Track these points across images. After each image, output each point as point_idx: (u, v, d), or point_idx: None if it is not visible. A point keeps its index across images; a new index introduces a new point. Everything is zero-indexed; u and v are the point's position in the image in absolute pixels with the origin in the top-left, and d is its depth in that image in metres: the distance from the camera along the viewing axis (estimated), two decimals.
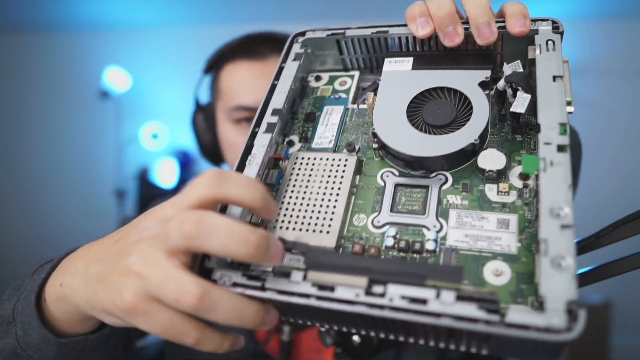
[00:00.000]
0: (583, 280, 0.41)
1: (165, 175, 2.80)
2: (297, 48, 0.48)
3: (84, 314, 0.38)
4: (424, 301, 0.30)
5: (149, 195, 2.74)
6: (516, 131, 0.41)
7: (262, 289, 0.33)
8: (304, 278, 0.33)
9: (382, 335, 0.35)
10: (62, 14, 2.80)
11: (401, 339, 0.35)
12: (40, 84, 3.11)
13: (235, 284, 0.34)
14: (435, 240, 0.36)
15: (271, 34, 0.82)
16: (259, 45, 0.79)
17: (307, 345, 0.66)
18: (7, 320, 0.42)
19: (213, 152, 0.87)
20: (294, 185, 0.41)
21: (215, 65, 0.83)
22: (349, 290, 0.31)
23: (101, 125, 3.03)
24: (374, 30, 0.46)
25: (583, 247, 0.43)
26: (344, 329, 0.36)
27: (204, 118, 0.86)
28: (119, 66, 2.87)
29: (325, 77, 0.51)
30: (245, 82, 0.76)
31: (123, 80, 2.88)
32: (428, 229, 0.37)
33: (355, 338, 0.57)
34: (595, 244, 0.42)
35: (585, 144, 0.64)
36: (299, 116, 0.48)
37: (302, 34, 0.49)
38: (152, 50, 3.01)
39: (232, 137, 0.78)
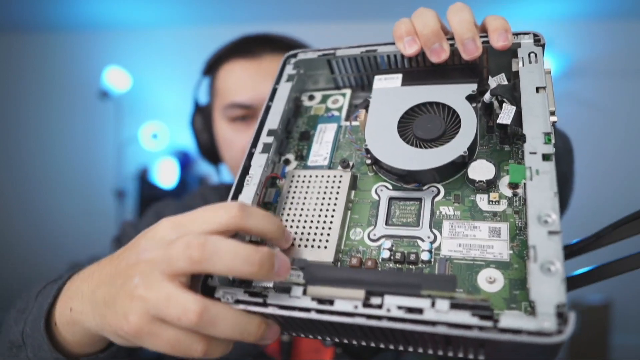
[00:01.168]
0: (583, 280, 0.42)
1: (165, 175, 2.82)
2: (289, 69, 0.50)
3: (95, 335, 0.39)
4: (420, 310, 0.31)
5: (149, 195, 2.77)
6: (504, 142, 0.42)
7: (264, 304, 0.34)
8: (304, 293, 0.34)
9: (381, 345, 0.36)
10: (62, 14, 2.84)
11: (400, 348, 0.36)
12: (40, 84, 3.14)
13: (238, 301, 0.35)
14: (430, 251, 0.37)
15: (267, 34, 0.84)
16: (254, 45, 0.80)
17: (306, 345, 0.67)
18: (17, 344, 0.44)
19: (211, 153, 0.88)
20: (291, 203, 0.43)
21: (213, 66, 0.84)
22: (347, 302, 0.32)
23: (101, 125, 3.07)
24: (363, 49, 0.48)
25: (583, 247, 0.44)
26: (345, 341, 0.37)
27: (202, 119, 0.88)
28: (119, 66, 2.91)
29: (318, 96, 0.52)
30: (240, 80, 0.78)
31: (123, 80, 2.91)
32: (422, 240, 0.38)
33: None
34: (595, 244, 0.43)
35: (585, 144, 0.65)
36: (294, 135, 0.49)
37: (294, 55, 0.51)
38: (152, 50, 3.06)
39: (227, 135, 0.79)
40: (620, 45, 2.66)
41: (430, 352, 0.35)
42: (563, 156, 0.60)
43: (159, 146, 2.90)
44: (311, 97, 0.52)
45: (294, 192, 0.43)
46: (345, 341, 0.37)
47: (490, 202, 0.39)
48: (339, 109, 0.50)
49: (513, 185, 0.39)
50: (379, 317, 0.31)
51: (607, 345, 2.42)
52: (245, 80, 0.77)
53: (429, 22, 0.43)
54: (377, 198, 0.42)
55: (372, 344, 0.36)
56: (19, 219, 3.18)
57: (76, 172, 3.13)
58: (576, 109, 2.55)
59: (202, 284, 0.37)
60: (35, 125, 3.17)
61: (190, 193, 0.93)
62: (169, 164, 2.83)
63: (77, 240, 3.04)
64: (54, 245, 3.07)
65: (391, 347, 0.36)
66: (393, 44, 0.46)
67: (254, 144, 0.45)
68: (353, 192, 0.43)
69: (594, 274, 0.42)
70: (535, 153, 0.35)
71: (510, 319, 0.29)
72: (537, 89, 0.39)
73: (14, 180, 3.19)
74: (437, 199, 0.40)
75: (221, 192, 0.90)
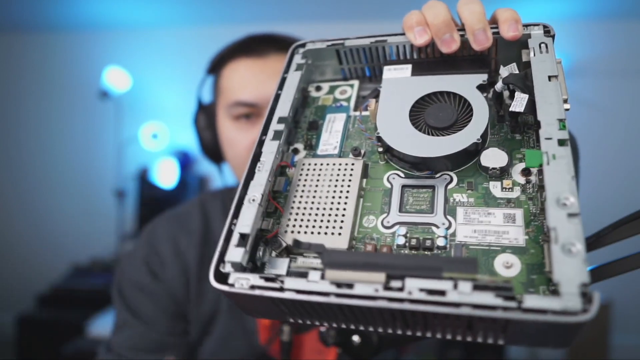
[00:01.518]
0: None
1: (165, 175, 2.80)
2: (298, 59, 0.49)
3: None
4: (442, 292, 0.31)
5: (149, 195, 2.79)
6: (515, 130, 0.42)
7: (281, 290, 0.34)
8: (322, 277, 0.33)
9: (399, 332, 0.35)
10: (62, 14, 2.83)
11: (419, 334, 0.35)
12: (40, 84, 3.14)
13: (252, 287, 0.34)
14: (445, 237, 0.37)
15: (272, 34, 0.84)
16: (259, 44, 0.80)
17: (308, 345, 0.67)
18: None
19: (214, 152, 0.87)
20: (302, 191, 0.42)
21: (217, 65, 0.84)
22: (367, 286, 0.32)
23: (101, 125, 3.07)
24: (373, 39, 0.48)
25: None
26: (361, 328, 0.36)
27: (206, 117, 0.87)
28: (119, 66, 2.90)
29: (326, 87, 0.52)
30: (245, 78, 0.77)
31: (123, 80, 2.90)
32: (437, 227, 0.38)
33: (355, 338, 0.57)
34: (595, 244, 0.43)
35: (585, 144, 0.65)
36: (302, 125, 0.49)
37: (303, 45, 0.51)
38: (152, 50, 3.06)
39: (231, 133, 0.79)
40: (620, 45, 2.68)
41: (449, 337, 0.34)
42: None
43: (159, 146, 2.89)
44: (318, 88, 0.52)
45: (305, 180, 0.43)
46: (362, 328, 0.36)
47: (504, 189, 0.39)
48: (348, 100, 0.50)
49: (526, 172, 0.39)
50: (400, 300, 0.31)
51: (607, 345, 2.42)
52: (250, 79, 0.77)
53: (439, 12, 0.44)
54: (389, 186, 0.42)
55: (390, 330, 0.36)
56: (19, 219, 3.16)
57: (76, 172, 3.13)
58: (576, 109, 2.54)
59: (215, 270, 0.36)
60: (35, 125, 3.15)
61: (189, 201, 0.92)
62: (169, 164, 2.82)
63: (77, 240, 3.03)
64: (54, 245, 3.07)
65: (409, 333, 0.35)
66: (403, 34, 0.46)
67: (264, 132, 0.44)
68: (365, 180, 0.43)
69: (594, 274, 0.42)
70: (550, 138, 0.36)
71: (534, 300, 0.29)
72: (550, 78, 0.39)
73: (14, 180, 3.17)
74: (450, 186, 0.40)
75: (223, 197, 0.89)
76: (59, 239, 3.08)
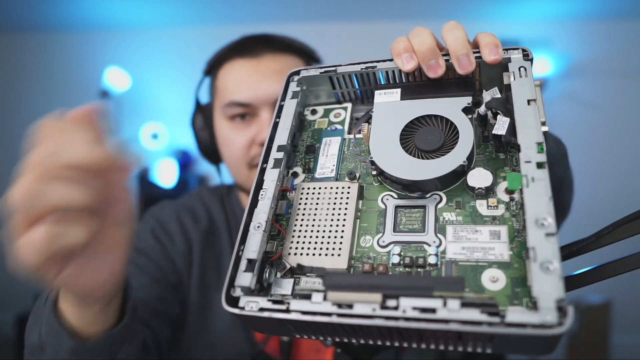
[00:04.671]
0: (583, 280, 0.44)
1: (165, 175, 2.85)
2: (293, 87, 0.52)
3: (83, 302, 0.42)
4: (433, 310, 0.34)
5: (149, 195, 2.81)
6: (499, 150, 0.45)
7: (287, 311, 0.37)
8: (324, 298, 0.37)
9: (396, 344, 0.39)
10: (62, 14, 2.85)
11: (414, 345, 0.38)
12: (40, 84, 3.15)
13: (262, 309, 0.38)
14: (437, 255, 0.40)
15: (267, 35, 0.86)
16: (254, 45, 0.82)
17: (307, 345, 0.69)
18: (39, 347, 0.45)
19: (211, 152, 0.90)
20: (303, 214, 0.45)
21: (214, 66, 0.86)
22: (366, 306, 0.35)
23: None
24: (363, 66, 0.51)
25: (583, 247, 0.46)
26: (362, 341, 0.40)
27: (203, 118, 0.89)
28: (119, 66, 2.92)
29: (320, 110, 0.55)
30: (239, 78, 0.80)
31: (123, 80, 2.93)
32: (429, 245, 0.41)
33: None
34: (595, 244, 0.45)
35: (586, 144, 0.67)
36: (300, 149, 0.52)
37: (297, 72, 0.53)
38: (152, 50, 3.08)
39: (226, 133, 0.81)
40: (620, 45, 2.69)
41: (442, 347, 0.38)
42: (558, 160, 0.62)
43: (159, 146, 2.93)
44: (314, 112, 0.55)
45: (305, 203, 0.46)
46: (362, 341, 0.40)
47: (489, 207, 0.42)
48: (342, 122, 0.53)
49: (509, 191, 0.42)
50: (396, 318, 0.34)
51: (607, 345, 2.43)
52: (245, 79, 0.79)
53: (425, 39, 0.47)
54: (383, 207, 0.45)
55: (388, 343, 0.39)
56: None
57: None
58: (576, 109, 2.57)
59: (226, 294, 0.39)
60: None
61: (189, 193, 0.95)
62: (168, 164, 2.86)
63: None
64: None
65: (405, 344, 0.39)
66: (391, 60, 0.49)
67: (265, 160, 0.47)
68: (360, 201, 0.46)
69: (594, 274, 0.44)
70: (530, 162, 0.39)
71: (515, 315, 0.32)
72: (529, 102, 0.42)
73: (14, 180, 3.16)
74: (440, 205, 0.43)
75: (222, 192, 0.92)
76: None
